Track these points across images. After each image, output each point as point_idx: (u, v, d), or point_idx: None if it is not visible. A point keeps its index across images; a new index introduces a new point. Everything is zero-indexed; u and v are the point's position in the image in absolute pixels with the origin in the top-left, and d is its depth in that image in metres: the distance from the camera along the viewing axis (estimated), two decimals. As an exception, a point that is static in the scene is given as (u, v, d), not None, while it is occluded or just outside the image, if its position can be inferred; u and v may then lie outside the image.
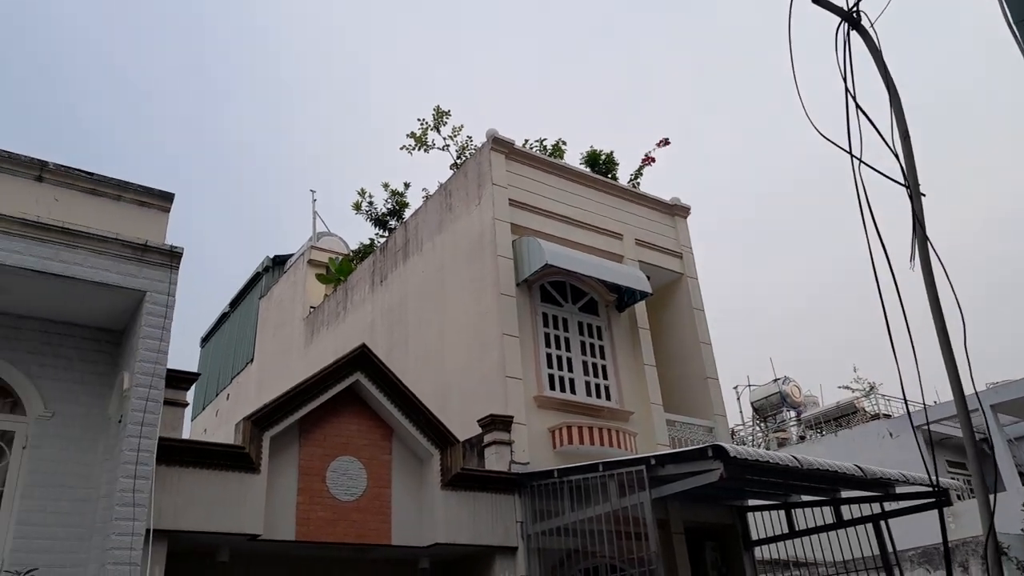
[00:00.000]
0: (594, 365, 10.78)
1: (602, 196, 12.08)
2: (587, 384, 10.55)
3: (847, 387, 25.97)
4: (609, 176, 13.21)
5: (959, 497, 17.76)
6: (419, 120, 14.18)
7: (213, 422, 20.07)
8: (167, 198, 7.50)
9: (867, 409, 24.34)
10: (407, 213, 14.34)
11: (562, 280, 11.00)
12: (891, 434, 21.25)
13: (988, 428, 18.30)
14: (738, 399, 27.90)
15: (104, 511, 6.56)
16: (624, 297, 11.28)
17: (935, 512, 8.20)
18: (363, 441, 8.43)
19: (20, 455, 6.80)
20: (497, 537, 8.59)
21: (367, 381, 8.38)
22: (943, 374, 2.85)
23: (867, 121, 2.84)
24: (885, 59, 2.98)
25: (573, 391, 10.34)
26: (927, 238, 2.84)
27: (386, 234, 14.84)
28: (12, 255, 6.36)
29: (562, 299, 10.97)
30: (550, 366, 10.30)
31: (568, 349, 10.63)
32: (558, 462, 9.18)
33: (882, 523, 9.54)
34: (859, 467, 8.36)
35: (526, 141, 13.47)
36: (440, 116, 14.09)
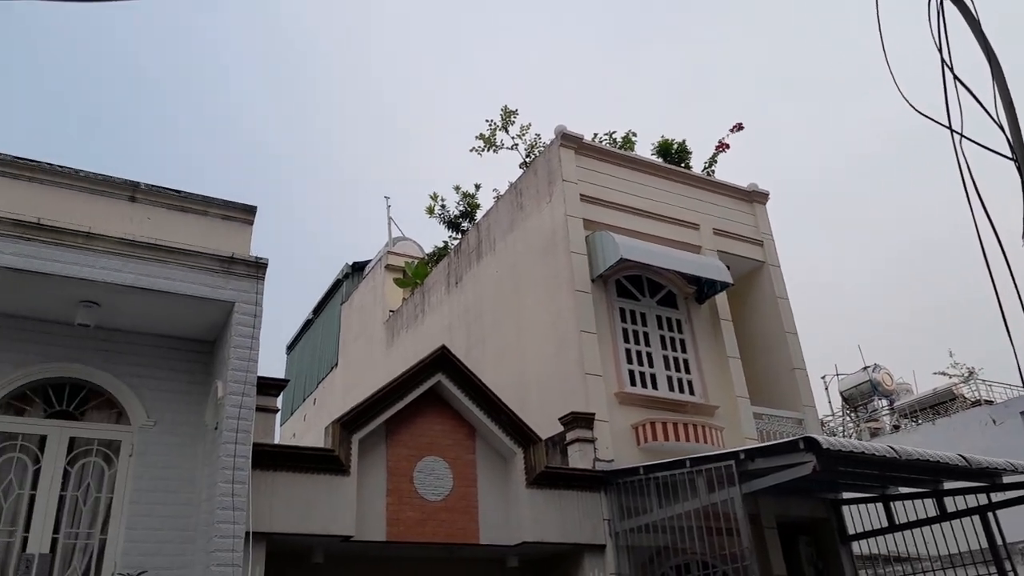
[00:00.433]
0: (675, 359, 10.61)
1: (676, 186, 11.87)
2: (669, 379, 10.38)
3: (943, 373, 24.80)
4: (682, 165, 12.97)
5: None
6: (487, 121, 14.23)
7: (301, 426, 20.68)
8: (250, 211, 7.76)
9: (966, 395, 23.17)
10: (479, 214, 14.43)
11: (638, 274, 10.85)
12: (994, 421, 20.14)
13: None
14: (826, 389, 26.97)
15: (206, 514, 6.83)
16: (704, 288, 11.05)
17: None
18: (447, 441, 8.52)
19: (127, 463, 7.14)
20: (585, 535, 8.54)
21: (448, 382, 8.47)
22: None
23: (966, 93, 2.68)
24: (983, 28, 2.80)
25: (655, 387, 10.19)
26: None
27: (459, 236, 14.97)
28: (110, 272, 6.69)
29: (639, 293, 10.83)
30: (630, 362, 10.18)
31: (648, 344, 10.48)
32: (643, 459, 9.07)
33: (990, 515, 9.06)
34: (963, 456, 7.95)
35: (595, 135, 13.35)
36: (508, 116, 14.10)
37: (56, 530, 6.73)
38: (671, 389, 10.32)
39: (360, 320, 18.41)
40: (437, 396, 8.55)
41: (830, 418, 26.53)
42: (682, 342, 10.81)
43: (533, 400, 10.42)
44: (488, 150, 14.35)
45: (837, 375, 27.24)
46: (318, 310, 22.07)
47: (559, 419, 9.33)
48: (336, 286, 20.97)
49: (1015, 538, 12.84)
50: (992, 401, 22.37)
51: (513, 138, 14.12)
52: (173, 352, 7.68)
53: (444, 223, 15.42)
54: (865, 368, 26.26)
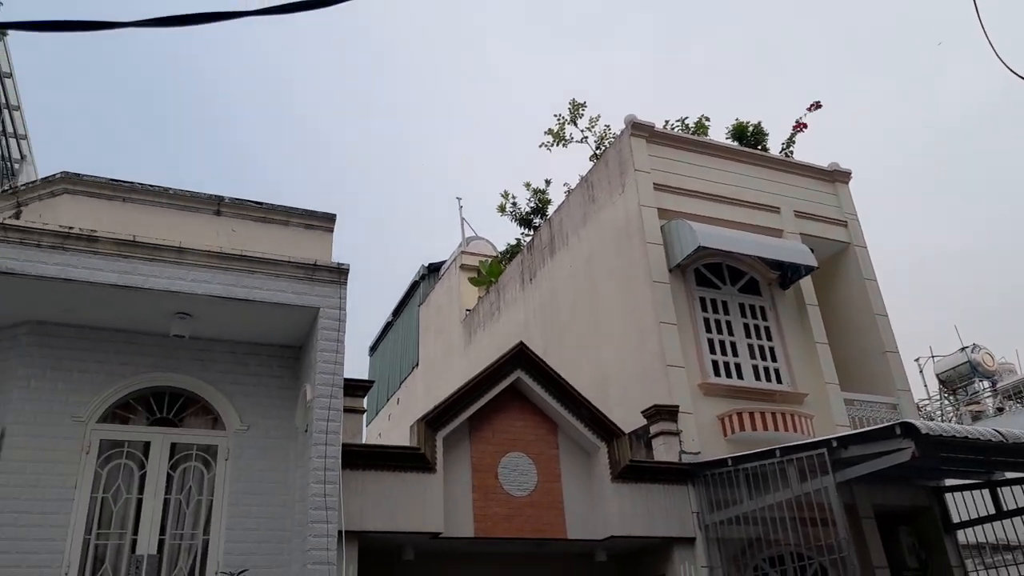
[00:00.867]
0: (760, 347, 10.34)
1: (754, 169, 11.56)
2: (755, 368, 10.13)
3: (1050, 351, 23.38)
4: (759, 148, 12.63)
5: None
6: (555, 116, 14.18)
7: (386, 426, 21.12)
8: (330, 219, 7.96)
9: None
10: (550, 210, 14.40)
11: (718, 262, 10.62)
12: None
13: None
14: (920, 372, 25.83)
15: (300, 515, 7.05)
16: (787, 273, 10.72)
17: None
18: (530, 437, 8.54)
19: (224, 466, 7.44)
20: (673, 528, 8.43)
21: (528, 378, 8.49)
22: None
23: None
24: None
25: (740, 376, 9.96)
26: None
27: (531, 233, 14.98)
28: (201, 284, 6.97)
29: (720, 281, 10.60)
30: (713, 352, 9.98)
31: (731, 333, 10.25)
32: (730, 450, 8.88)
33: (1109, 500, 8.50)
34: (1077, 439, 7.46)
35: (666, 122, 13.15)
36: (576, 108, 14.02)
37: (162, 532, 7.07)
38: (757, 378, 10.07)
39: (438, 320, 18.67)
40: (517, 392, 8.59)
41: (926, 402, 25.40)
42: (767, 329, 10.53)
43: (614, 394, 10.34)
44: (557, 144, 14.32)
45: (932, 357, 26.06)
46: (397, 312, 22.51)
47: (642, 412, 9.23)
48: (413, 288, 21.34)
49: None
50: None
51: (582, 131, 14.06)
52: (263, 358, 7.96)
53: (516, 220, 15.47)
54: (963, 349, 25.04)
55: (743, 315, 10.49)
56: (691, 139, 11.66)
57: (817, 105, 12.99)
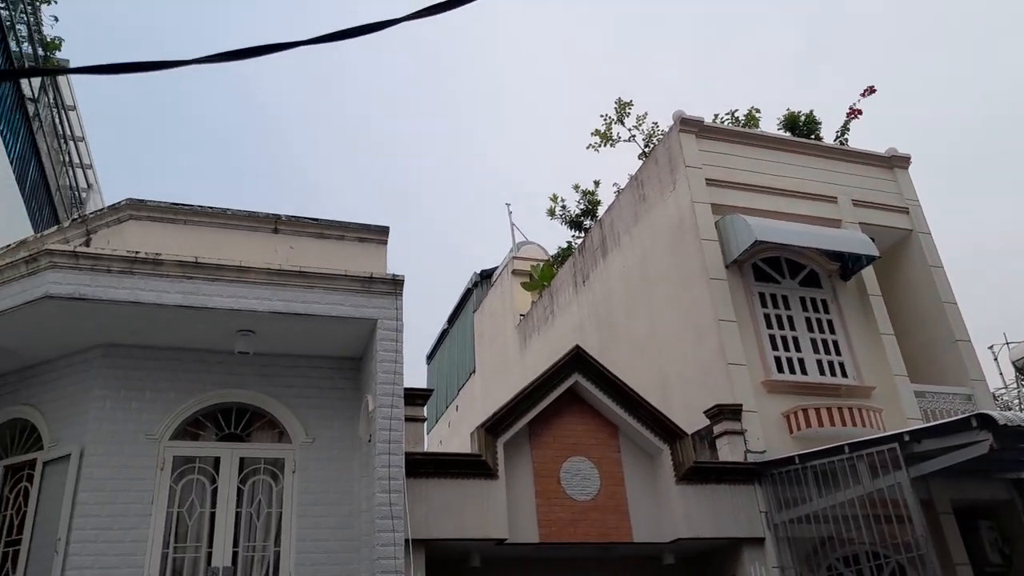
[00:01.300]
0: (824, 341, 10.08)
1: (808, 160, 11.31)
2: (819, 363, 9.89)
3: None
4: (812, 137, 12.35)
5: None
6: (602, 116, 14.10)
7: (446, 432, 21.28)
8: (383, 232, 8.07)
9: None
10: (600, 211, 14.32)
11: (776, 256, 10.41)
12: None
13: None
14: (995, 360, 24.78)
15: (367, 524, 7.14)
16: (848, 264, 10.45)
17: None
18: (591, 440, 8.50)
19: (291, 479, 7.59)
20: (741, 529, 8.28)
21: (586, 381, 8.45)
22: None
23: None
24: None
25: (804, 372, 9.74)
26: None
27: (582, 235, 14.92)
28: (262, 302, 7.13)
29: (778, 276, 10.38)
30: (775, 348, 9.78)
31: (792, 328, 10.03)
32: (797, 447, 8.68)
33: None
34: None
35: (715, 116, 12.96)
36: (623, 108, 13.92)
37: (235, 544, 7.24)
38: (822, 373, 9.82)
39: (492, 326, 18.74)
40: (576, 396, 8.55)
41: (1003, 391, 24.40)
42: (829, 323, 10.27)
43: (675, 394, 10.21)
44: (605, 145, 14.24)
45: (1007, 344, 25.00)
46: (452, 319, 22.68)
47: (704, 412, 9.09)
48: (467, 295, 21.48)
49: None
50: None
51: (630, 129, 13.96)
52: (324, 371, 8.09)
53: (566, 223, 15.42)
54: (1039, 334, 23.96)
55: (804, 309, 10.26)
56: (741, 132, 11.47)
57: (871, 90, 12.65)
